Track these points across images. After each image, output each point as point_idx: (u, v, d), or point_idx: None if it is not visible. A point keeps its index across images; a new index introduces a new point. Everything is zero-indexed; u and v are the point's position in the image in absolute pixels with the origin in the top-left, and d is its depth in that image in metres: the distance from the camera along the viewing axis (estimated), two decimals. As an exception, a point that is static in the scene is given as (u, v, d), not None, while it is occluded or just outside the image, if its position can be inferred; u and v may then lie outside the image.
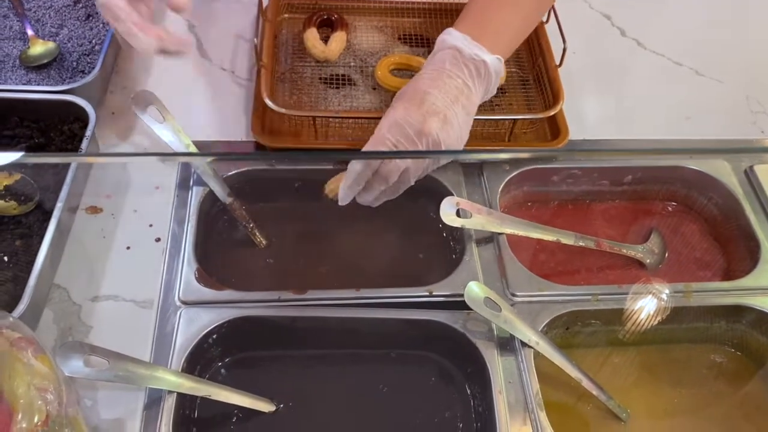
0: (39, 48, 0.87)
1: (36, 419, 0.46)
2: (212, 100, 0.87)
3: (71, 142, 0.78)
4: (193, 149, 0.77)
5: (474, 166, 0.81)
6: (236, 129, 0.84)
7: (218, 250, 0.77)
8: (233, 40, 0.94)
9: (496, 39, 0.70)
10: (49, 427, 0.47)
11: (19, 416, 0.44)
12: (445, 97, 0.67)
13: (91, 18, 0.92)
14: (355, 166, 0.68)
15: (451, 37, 0.71)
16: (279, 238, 0.79)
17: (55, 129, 0.79)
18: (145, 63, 0.90)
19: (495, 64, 0.70)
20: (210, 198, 0.77)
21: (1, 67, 0.85)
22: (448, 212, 0.73)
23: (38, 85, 0.83)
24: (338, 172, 0.80)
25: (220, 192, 0.77)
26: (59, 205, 0.68)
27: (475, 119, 0.83)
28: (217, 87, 0.89)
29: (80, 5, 0.94)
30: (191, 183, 0.78)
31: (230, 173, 0.78)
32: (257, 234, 0.78)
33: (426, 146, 0.66)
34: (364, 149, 0.69)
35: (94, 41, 0.89)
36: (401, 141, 0.66)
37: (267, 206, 0.81)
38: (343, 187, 0.71)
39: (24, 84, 0.83)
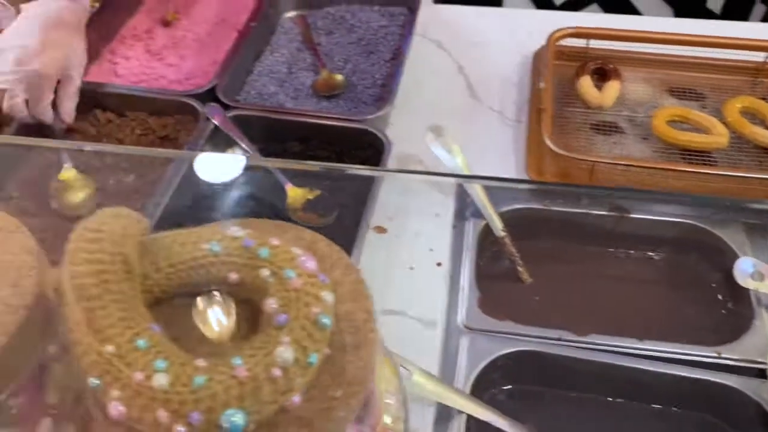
0: (329, 79, 0.97)
1: (389, 420, 0.50)
2: (482, 138, 0.91)
3: (363, 167, 0.85)
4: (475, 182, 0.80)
5: (759, 227, 0.78)
6: (506, 167, 0.87)
7: (490, 280, 0.79)
8: (500, 82, 0.99)
9: None
10: (393, 427, 0.51)
11: (385, 417, 0.48)
12: None
13: (372, 54, 1.01)
14: None
15: None
16: (543, 277, 0.80)
17: (348, 154, 0.86)
18: (424, 99, 0.96)
19: None
20: (485, 230, 0.80)
21: (297, 94, 0.96)
22: (743, 273, 0.70)
23: (328, 112, 0.92)
24: (614, 219, 0.80)
25: (495, 225, 0.80)
26: (362, 222, 0.75)
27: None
28: (487, 126, 0.93)
29: (363, 42, 1.03)
30: (467, 214, 0.81)
31: (504, 209, 0.81)
32: (523, 270, 0.80)
33: None
34: None
35: (376, 76, 0.97)
36: None
37: (534, 244, 0.82)
38: None
39: (316, 110, 0.93)
